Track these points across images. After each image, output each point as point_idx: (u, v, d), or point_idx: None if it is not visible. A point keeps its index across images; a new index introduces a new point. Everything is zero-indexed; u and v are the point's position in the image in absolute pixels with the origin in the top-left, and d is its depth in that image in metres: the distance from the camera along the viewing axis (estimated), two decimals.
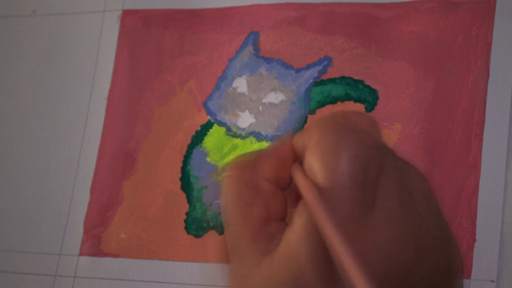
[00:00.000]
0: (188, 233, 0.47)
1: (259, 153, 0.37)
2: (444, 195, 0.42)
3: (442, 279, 0.34)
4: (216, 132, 0.48)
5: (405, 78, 0.45)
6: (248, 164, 0.36)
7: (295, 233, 0.33)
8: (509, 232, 0.41)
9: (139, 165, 0.49)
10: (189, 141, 0.48)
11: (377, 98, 0.45)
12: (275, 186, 0.36)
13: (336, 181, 0.33)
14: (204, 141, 0.48)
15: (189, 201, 0.47)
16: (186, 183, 0.48)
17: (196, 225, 0.47)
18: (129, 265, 0.47)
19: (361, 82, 0.46)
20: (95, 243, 0.48)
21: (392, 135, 0.44)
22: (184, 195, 0.48)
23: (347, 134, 0.33)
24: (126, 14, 0.52)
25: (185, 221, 0.47)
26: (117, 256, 0.48)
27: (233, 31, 0.49)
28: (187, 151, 0.48)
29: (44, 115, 0.52)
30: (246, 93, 0.48)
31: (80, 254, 0.48)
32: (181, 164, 0.48)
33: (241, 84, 0.48)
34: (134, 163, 0.49)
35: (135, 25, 0.52)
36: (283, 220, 0.35)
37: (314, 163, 0.34)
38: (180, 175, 0.48)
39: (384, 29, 0.46)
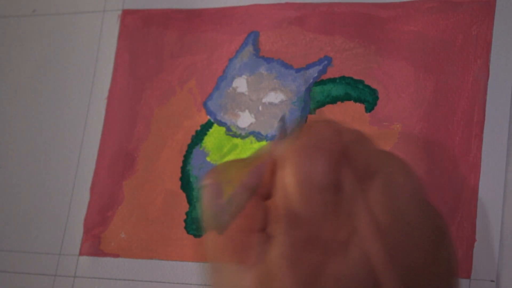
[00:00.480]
0: (188, 233, 0.47)
1: (236, 161, 0.37)
2: (444, 195, 0.42)
3: (423, 277, 0.34)
4: (216, 132, 0.48)
5: (405, 78, 0.45)
6: (224, 170, 0.36)
7: (277, 249, 0.33)
8: (509, 232, 0.41)
9: (139, 165, 0.49)
10: (189, 141, 0.48)
11: (377, 98, 0.45)
12: (255, 195, 0.36)
13: (306, 182, 0.34)
14: (204, 141, 0.48)
15: (189, 201, 0.47)
16: (186, 183, 0.48)
17: (196, 225, 0.47)
18: (129, 265, 0.47)
19: (361, 82, 0.46)
20: (95, 243, 0.48)
21: (392, 135, 0.44)
22: (184, 195, 0.48)
23: (317, 145, 0.34)
24: (126, 14, 0.52)
25: (185, 221, 0.47)
26: (117, 256, 0.48)
27: (233, 31, 0.49)
28: (187, 151, 0.48)
29: (44, 115, 0.52)
30: (246, 93, 0.48)
31: (80, 254, 0.48)
32: (181, 164, 0.48)
33: (241, 84, 0.48)
34: (134, 163, 0.49)
35: (135, 25, 0.52)
36: (265, 231, 0.34)
37: (287, 174, 0.34)
38: (180, 175, 0.48)
39: (384, 29, 0.46)
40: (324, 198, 0.33)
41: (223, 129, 0.48)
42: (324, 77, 0.47)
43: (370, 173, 0.35)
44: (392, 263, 0.33)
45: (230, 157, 0.48)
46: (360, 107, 0.45)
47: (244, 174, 0.36)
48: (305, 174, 0.34)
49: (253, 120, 0.48)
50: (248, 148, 0.47)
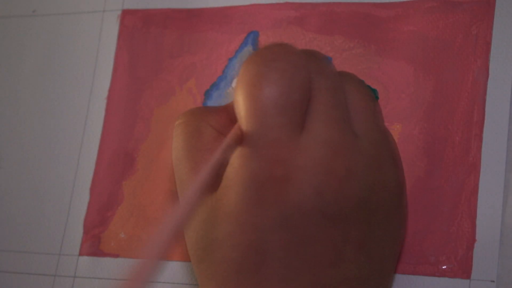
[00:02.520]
0: None
1: (214, 106, 0.39)
2: (444, 195, 0.42)
3: (380, 195, 0.36)
4: None
5: (405, 78, 0.45)
6: (197, 112, 0.38)
7: (234, 172, 0.36)
8: (509, 232, 0.41)
9: (138, 165, 0.49)
10: None
11: (377, 98, 0.45)
12: (222, 135, 0.38)
13: (259, 109, 0.35)
14: None
15: None
16: None
17: None
18: (129, 265, 0.47)
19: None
20: (94, 243, 0.48)
21: (392, 135, 0.44)
22: None
23: (266, 64, 0.35)
24: (126, 14, 0.52)
25: None
26: (116, 256, 0.48)
27: (233, 30, 0.49)
28: None
29: (44, 115, 0.52)
30: None
31: (80, 254, 0.48)
32: None
33: None
34: (134, 163, 0.49)
35: (134, 25, 0.52)
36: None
37: (238, 97, 0.36)
38: None
39: (384, 28, 0.46)
40: (278, 122, 0.35)
41: None
42: None
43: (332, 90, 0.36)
44: (348, 178, 0.34)
45: None
46: None
47: (217, 116, 0.38)
48: (254, 97, 0.35)
49: None
50: None
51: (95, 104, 0.51)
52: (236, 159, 0.36)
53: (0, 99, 0.54)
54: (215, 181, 0.36)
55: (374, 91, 0.46)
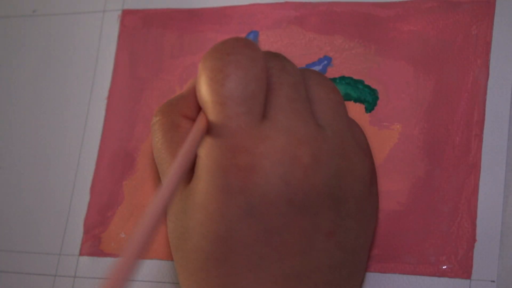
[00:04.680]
0: None
1: (181, 95, 0.40)
2: (444, 195, 0.42)
3: (348, 183, 0.37)
4: None
5: (405, 78, 0.45)
6: (169, 107, 0.39)
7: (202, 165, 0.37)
8: (509, 232, 0.41)
9: (139, 165, 0.49)
10: None
11: (377, 98, 0.45)
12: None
13: (218, 101, 0.36)
14: None
15: None
16: None
17: None
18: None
19: (361, 82, 0.46)
20: (95, 243, 0.48)
21: (392, 135, 0.44)
22: None
23: (222, 58, 0.36)
24: (126, 14, 0.52)
25: None
26: (117, 256, 0.48)
27: (233, 30, 0.49)
28: None
29: (44, 115, 0.52)
30: None
31: (80, 254, 0.48)
32: None
33: None
34: (134, 163, 0.49)
35: (135, 25, 0.52)
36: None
37: (199, 91, 0.37)
38: None
39: (384, 28, 0.46)
40: (238, 111, 0.36)
41: None
42: None
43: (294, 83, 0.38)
44: (313, 166, 0.35)
45: None
46: (360, 107, 0.45)
47: (188, 106, 0.39)
48: (212, 90, 0.36)
49: None
50: None
51: (95, 104, 0.51)
52: (203, 149, 0.37)
53: (0, 99, 0.54)
54: (188, 171, 0.37)
55: (374, 91, 0.46)
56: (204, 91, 0.37)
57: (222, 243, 0.36)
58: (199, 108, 0.39)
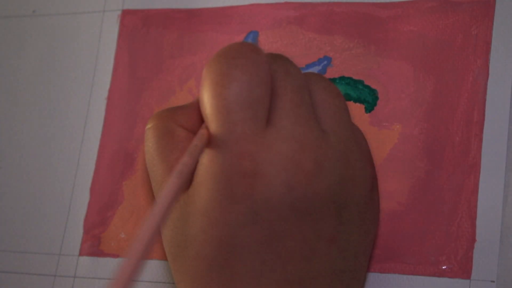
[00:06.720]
0: None
1: (182, 105, 0.40)
2: (444, 195, 0.42)
3: (350, 190, 0.37)
4: None
5: (405, 78, 0.45)
6: (166, 114, 0.39)
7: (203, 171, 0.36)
8: (509, 232, 0.41)
9: (139, 165, 0.49)
10: None
11: (377, 98, 0.45)
12: (191, 133, 0.38)
13: (223, 106, 0.36)
14: None
15: None
16: None
17: None
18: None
19: (360, 82, 0.46)
20: (95, 243, 0.48)
21: (392, 135, 0.44)
22: None
23: (228, 62, 0.36)
24: (126, 14, 0.52)
25: None
26: (116, 256, 0.48)
27: (233, 30, 0.49)
28: None
29: (44, 115, 0.52)
30: None
31: (80, 254, 0.48)
32: None
33: None
34: (134, 163, 0.49)
35: (134, 25, 0.52)
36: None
37: (203, 96, 0.37)
38: None
39: (384, 28, 0.46)
40: (243, 116, 0.36)
41: None
42: None
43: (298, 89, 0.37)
44: (317, 173, 0.35)
45: None
46: (360, 107, 0.45)
47: (186, 116, 0.39)
48: (217, 95, 0.36)
49: None
50: None
51: (95, 104, 0.51)
52: (205, 155, 0.36)
53: (0, 99, 0.54)
54: (187, 181, 0.36)
55: (374, 91, 0.46)
56: (208, 96, 0.36)
57: (225, 249, 0.35)
58: (199, 121, 0.39)
